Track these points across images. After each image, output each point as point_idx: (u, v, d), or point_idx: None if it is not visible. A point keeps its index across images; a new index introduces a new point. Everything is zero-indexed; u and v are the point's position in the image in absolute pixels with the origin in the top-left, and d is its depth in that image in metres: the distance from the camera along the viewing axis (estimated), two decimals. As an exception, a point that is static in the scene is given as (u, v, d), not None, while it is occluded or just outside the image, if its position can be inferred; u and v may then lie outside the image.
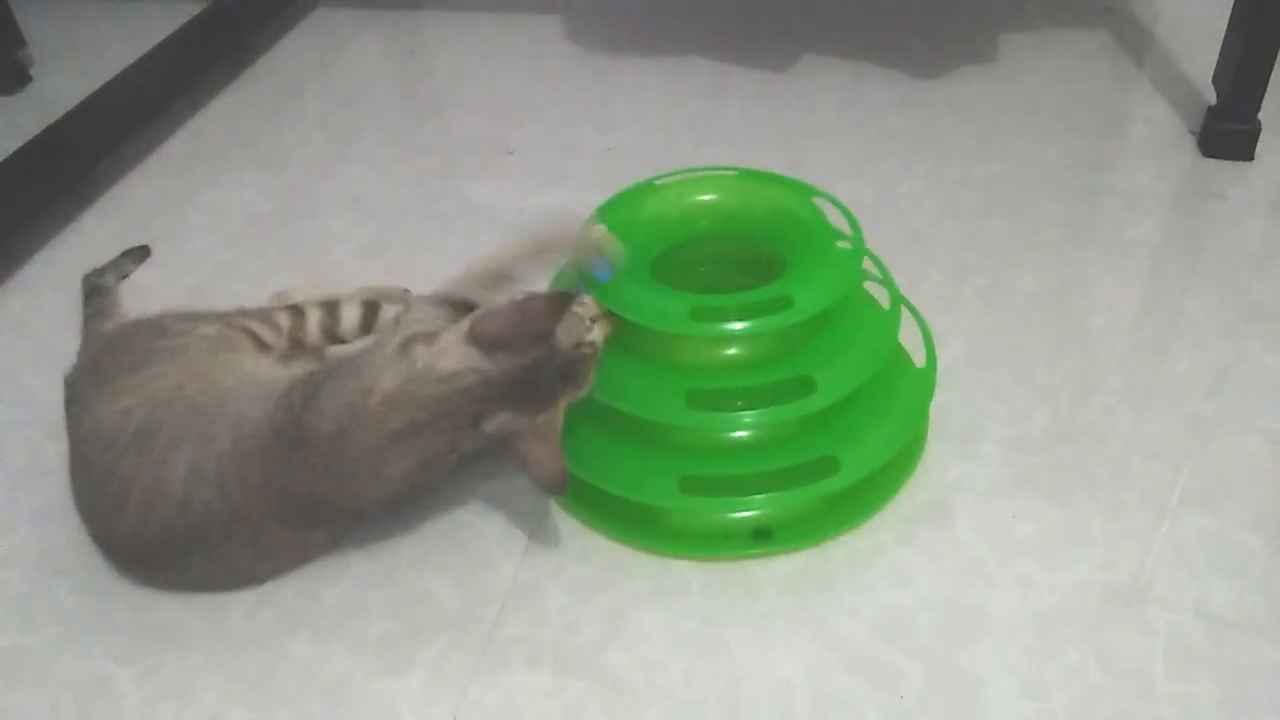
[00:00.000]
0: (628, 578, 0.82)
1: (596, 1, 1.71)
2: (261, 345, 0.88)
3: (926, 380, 0.89)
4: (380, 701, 0.75)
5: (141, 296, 1.12)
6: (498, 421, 0.75)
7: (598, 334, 0.80)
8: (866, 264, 0.88)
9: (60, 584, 0.84)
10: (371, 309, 0.91)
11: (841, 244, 0.86)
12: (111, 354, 0.87)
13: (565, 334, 0.77)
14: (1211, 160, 1.24)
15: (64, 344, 1.05)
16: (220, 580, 0.81)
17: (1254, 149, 1.24)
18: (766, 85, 1.44)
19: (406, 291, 0.96)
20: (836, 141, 1.32)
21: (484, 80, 1.50)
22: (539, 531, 0.86)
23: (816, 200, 0.89)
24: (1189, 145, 1.27)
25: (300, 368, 0.84)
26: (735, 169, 0.93)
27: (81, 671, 0.77)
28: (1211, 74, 1.27)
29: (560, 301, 0.76)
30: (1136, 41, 1.49)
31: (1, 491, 0.91)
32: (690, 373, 0.82)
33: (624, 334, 0.82)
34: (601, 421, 0.84)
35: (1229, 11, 1.22)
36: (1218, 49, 1.24)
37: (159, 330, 0.88)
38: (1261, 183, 1.21)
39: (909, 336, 0.91)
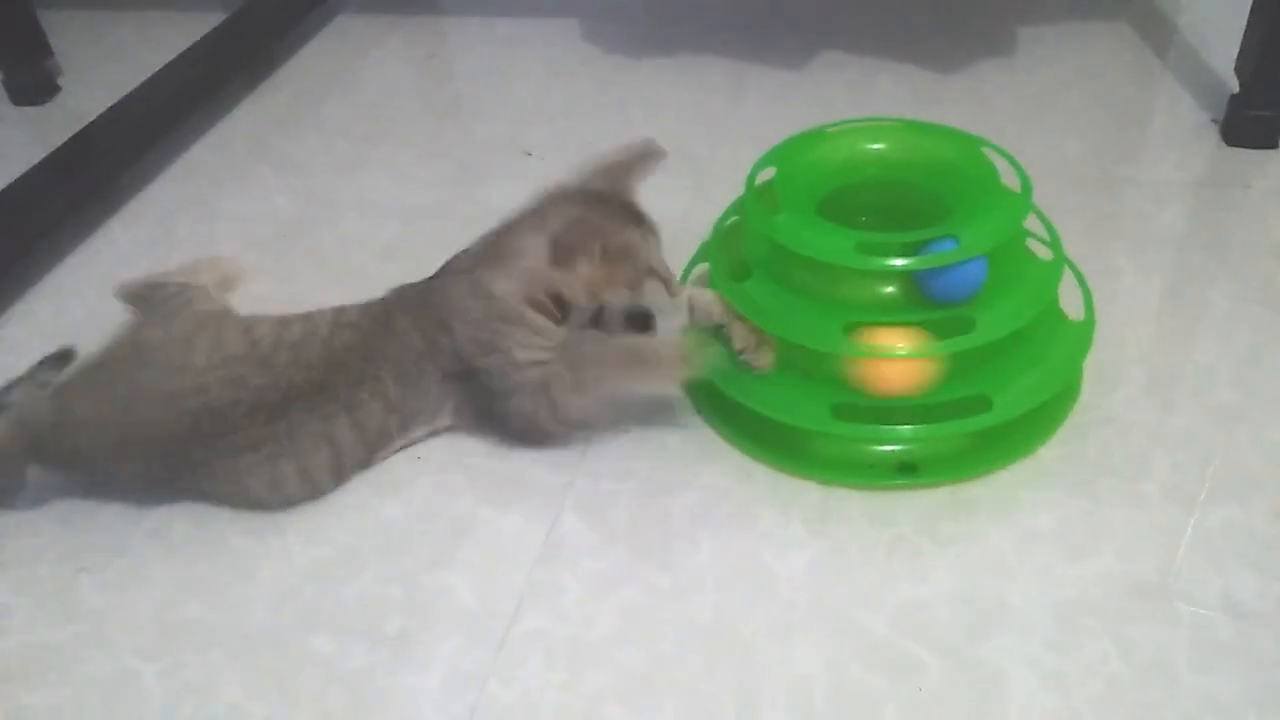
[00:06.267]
0: (644, 572, 0.82)
1: (613, 3, 1.71)
2: None
3: (1084, 333, 0.91)
4: (400, 698, 0.75)
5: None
6: None
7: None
8: (1032, 221, 0.90)
9: (85, 581, 0.85)
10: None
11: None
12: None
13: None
14: (1235, 149, 1.23)
15: (90, 348, 1.07)
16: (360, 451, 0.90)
17: (1278, 137, 1.22)
18: (783, 83, 1.44)
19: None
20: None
21: (502, 83, 1.51)
22: (555, 528, 0.86)
23: (986, 151, 0.92)
24: (1212, 135, 1.26)
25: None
26: (903, 120, 0.96)
27: (106, 668, 0.79)
28: (1234, 62, 1.25)
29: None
30: (1157, 32, 1.48)
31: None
32: (850, 307, 0.85)
33: (785, 268, 0.87)
34: None
35: (1250, -1, 1.21)
36: (1239, 37, 1.23)
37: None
38: (1286, 171, 1.19)
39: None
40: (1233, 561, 0.79)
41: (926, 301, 0.86)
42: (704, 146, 1.33)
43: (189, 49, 1.52)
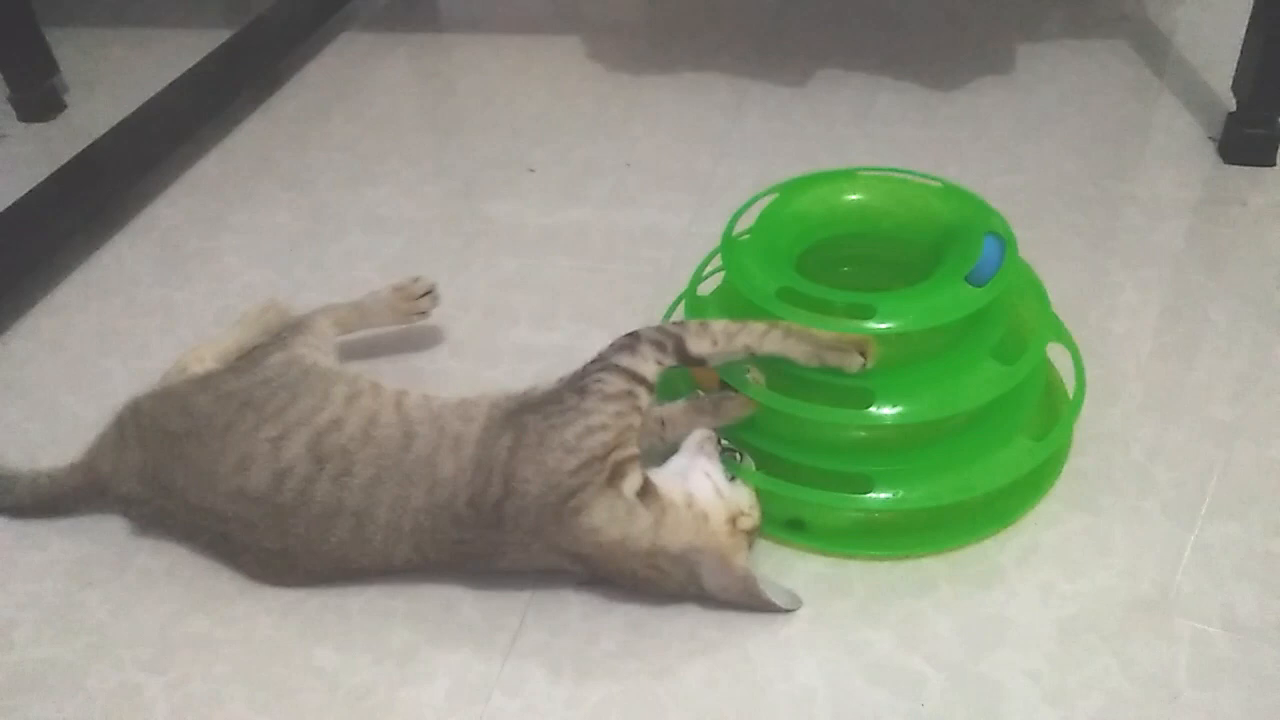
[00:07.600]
0: (648, 587, 0.82)
1: (616, 21, 1.73)
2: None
3: (1046, 450, 0.83)
4: (404, 710, 0.75)
5: (172, 315, 1.15)
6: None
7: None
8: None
9: (91, 595, 0.85)
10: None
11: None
12: (184, 411, 0.86)
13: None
14: (1232, 167, 1.24)
15: (97, 363, 1.08)
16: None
17: (1275, 154, 1.23)
18: (784, 100, 1.45)
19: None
20: (853, 155, 1.32)
21: (505, 100, 1.52)
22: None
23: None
24: (1209, 152, 1.27)
25: (458, 418, 0.82)
26: (941, 180, 0.92)
27: (112, 682, 0.79)
28: (1231, 80, 1.26)
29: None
30: (1155, 49, 1.49)
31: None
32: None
33: (728, 299, 0.87)
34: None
35: (1248, 17, 1.22)
36: (1237, 55, 1.24)
37: (228, 383, 0.87)
38: (1284, 188, 1.20)
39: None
40: (1233, 577, 0.80)
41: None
42: (706, 162, 1.34)
43: (194, 66, 1.54)
